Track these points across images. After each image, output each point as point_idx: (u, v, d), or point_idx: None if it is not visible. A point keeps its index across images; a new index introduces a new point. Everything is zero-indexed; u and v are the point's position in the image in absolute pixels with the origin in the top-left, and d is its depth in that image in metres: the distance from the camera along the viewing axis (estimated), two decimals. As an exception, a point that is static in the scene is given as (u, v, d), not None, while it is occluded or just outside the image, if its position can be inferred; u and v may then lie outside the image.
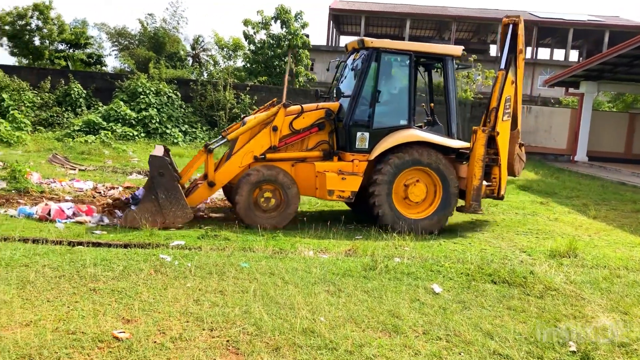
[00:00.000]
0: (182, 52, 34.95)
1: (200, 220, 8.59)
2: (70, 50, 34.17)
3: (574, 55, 48.99)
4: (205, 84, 23.06)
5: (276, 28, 26.85)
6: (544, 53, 53.53)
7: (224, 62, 29.00)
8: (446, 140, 8.85)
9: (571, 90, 25.18)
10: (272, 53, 26.49)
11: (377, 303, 5.01)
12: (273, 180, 8.31)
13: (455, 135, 9.07)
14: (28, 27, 31.25)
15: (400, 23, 46.37)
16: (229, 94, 22.57)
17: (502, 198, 9.40)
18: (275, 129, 8.61)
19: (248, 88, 23.23)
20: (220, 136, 9.08)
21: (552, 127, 24.35)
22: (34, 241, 6.51)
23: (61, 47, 33.91)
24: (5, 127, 17.70)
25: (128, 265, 5.66)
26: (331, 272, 5.83)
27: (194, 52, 38.63)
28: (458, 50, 9.24)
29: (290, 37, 26.06)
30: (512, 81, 9.18)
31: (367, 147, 8.68)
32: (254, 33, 26.95)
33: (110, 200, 9.19)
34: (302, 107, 8.84)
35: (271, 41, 26.45)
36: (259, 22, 26.73)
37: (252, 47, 27.24)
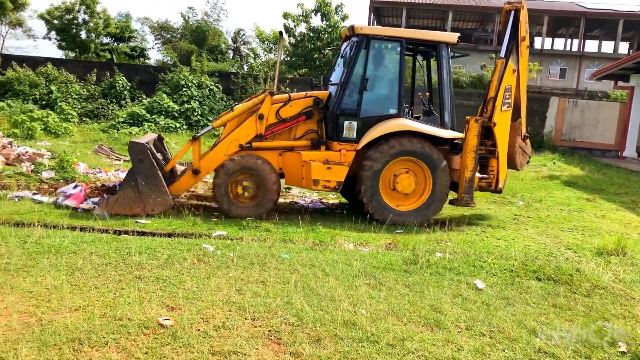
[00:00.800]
0: (223, 46, 35.27)
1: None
2: (115, 44, 34.92)
3: (623, 48, 47.37)
4: (246, 77, 23.24)
5: (316, 21, 26.85)
6: (591, 45, 51.96)
7: (265, 55, 29.15)
8: (437, 130, 8.52)
9: (620, 83, 24.35)
10: (312, 46, 26.49)
11: (419, 297, 4.96)
12: (250, 169, 8.24)
13: (449, 126, 8.76)
14: (75, 21, 32.06)
15: (442, 15, 45.74)
16: (269, 87, 22.69)
17: (500, 191, 9.13)
18: (261, 117, 8.50)
19: (288, 81, 23.29)
20: (210, 125, 9.07)
21: (599, 122, 23.59)
22: (82, 229, 6.69)
23: (106, 40, 34.69)
24: (53, 118, 18.22)
25: (172, 254, 5.76)
26: (372, 266, 5.80)
27: (235, 45, 38.94)
28: (453, 37, 8.87)
29: (330, 29, 25.99)
30: (514, 70, 8.89)
31: (355, 136, 8.47)
32: (294, 26, 27.00)
33: (98, 184, 9.43)
34: (289, 95, 8.75)
35: (311, 34, 26.45)
36: (299, 15, 26.76)
37: (292, 40, 27.29)
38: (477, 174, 8.68)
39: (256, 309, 4.44)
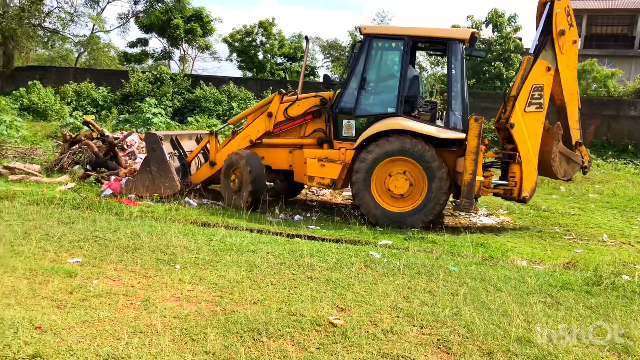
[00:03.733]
0: (389, 61, 35.73)
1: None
2: (288, 63, 37.08)
3: None
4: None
5: (487, 32, 26.07)
6: None
7: (432, 68, 28.93)
8: (434, 129, 8.06)
9: None
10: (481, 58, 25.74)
11: (603, 320, 4.54)
12: (236, 165, 8.73)
13: (457, 126, 8.20)
14: (254, 43, 34.75)
15: (630, 20, 41.70)
16: (437, 100, 22.46)
17: (524, 201, 8.27)
18: (270, 115, 9.04)
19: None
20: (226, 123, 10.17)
21: None
22: (259, 231, 7.18)
23: (280, 60, 37.00)
24: (233, 132, 19.84)
25: (340, 258, 5.94)
26: (548, 284, 5.44)
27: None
28: (465, 33, 8.35)
29: (501, 41, 25.08)
30: (548, 67, 8.01)
31: (353, 135, 8.52)
32: (463, 38, 26.48)
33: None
34: (297, 95, 9.15)
35: (481, 46, 25.70)
36: (469, 27, 26.18)
37: (461, 53, 26.78)
38: (495, 180, 8.28)
39: (424, 317, 4.39)
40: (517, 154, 8.15)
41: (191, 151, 9.97)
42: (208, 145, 9.78)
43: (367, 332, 4.07)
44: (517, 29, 25.66)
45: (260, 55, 35.12)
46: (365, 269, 5.67)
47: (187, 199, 9.03)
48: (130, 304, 4.40)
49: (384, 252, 6.36)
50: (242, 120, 10.07)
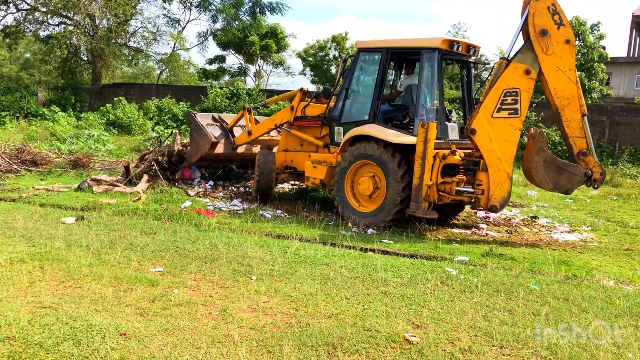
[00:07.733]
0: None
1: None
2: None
3: None
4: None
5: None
6: None
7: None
8: (391, 135, 8.38)
9: None
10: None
11: (703, 348, 4.21)
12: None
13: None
14: (326, 58, 35.12)
15: None
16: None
17: (493, 210, 7.85)
18: (292, 108, 10.12)
19: (534, 105, 22.12)
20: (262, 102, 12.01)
21: None
22: (332, 244, 7.20)
23: (353, 74, 37.22)
24: (306, 145, 20.08)
25: (415, 274, 5.85)
26: (639, 306, 5.12)
27: (475, 72, 38.43)
28: (435, 41, 8.44)
29: (584, 50, 24.03)
30: (527, 70, 7.58)
31: (342, 140, 9.16)
32: (542, 48, 25.58)
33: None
34: (313, 99, 10.08)
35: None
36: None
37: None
38: (458, 187, 8.05)
39: (504, 337, 4.24)
40: (482, 161, 7.92)
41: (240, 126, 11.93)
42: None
43: (444, 350, 3.97)
44: (600, 37, 24.53)
45: (333, 70, 35.41)
46: (442, 285, 5.55)
47: (261, 212, 9.21)
48: (209, 314, 4.51)
49: (461, 269, 6.21)
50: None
